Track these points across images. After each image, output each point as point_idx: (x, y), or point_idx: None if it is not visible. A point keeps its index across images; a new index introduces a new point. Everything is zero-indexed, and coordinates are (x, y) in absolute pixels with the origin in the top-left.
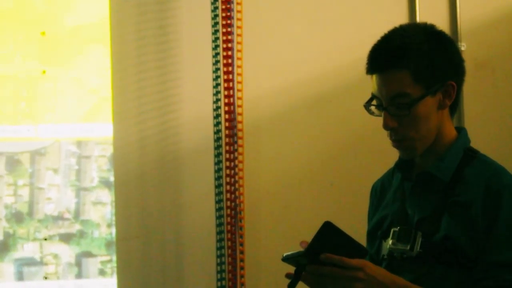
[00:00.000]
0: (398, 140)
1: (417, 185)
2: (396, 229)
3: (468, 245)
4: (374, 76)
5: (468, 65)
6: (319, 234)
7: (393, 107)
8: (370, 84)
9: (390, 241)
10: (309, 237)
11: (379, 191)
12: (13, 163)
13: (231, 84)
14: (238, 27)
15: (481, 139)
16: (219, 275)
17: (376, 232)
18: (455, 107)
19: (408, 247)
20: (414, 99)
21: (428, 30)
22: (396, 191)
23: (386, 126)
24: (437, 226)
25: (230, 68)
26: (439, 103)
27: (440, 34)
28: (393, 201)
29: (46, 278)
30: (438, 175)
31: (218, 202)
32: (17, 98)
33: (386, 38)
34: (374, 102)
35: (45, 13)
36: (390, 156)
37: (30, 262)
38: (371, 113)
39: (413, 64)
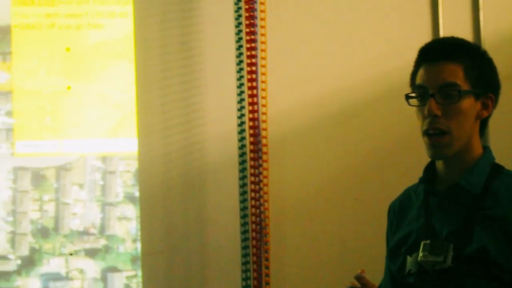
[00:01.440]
0: (436, 133)
1: (445, 198)
2: (427, 241)
3: (503, 257)
4: (423, 67)
5: None
6: None
7: (440, 94)
8: (394, 98)
9: (421, 254)
10: (333, 252)
11: (398, 210)
12: (38, 178)
13: (255, 99)
14: (262, 42)
15: (506, 153)
16: None
17: (399, 248)
18: (484, 126)
19: (442, 259)
20: (463, 91)
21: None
22: (419, 207)
23: (430, 112)
24: (469, 239)
25: (254, 83)
26: (477, 112)
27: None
28: (417, 217)
29: None
30: (468, 187)
31: (243, 217)
32: (42, 114)
33: (445, 37)
34: (414, 94)
35: (70, 29)
36: (414, 171)
37: (56, 277)
38: (411, 104)
39: (467, 61)
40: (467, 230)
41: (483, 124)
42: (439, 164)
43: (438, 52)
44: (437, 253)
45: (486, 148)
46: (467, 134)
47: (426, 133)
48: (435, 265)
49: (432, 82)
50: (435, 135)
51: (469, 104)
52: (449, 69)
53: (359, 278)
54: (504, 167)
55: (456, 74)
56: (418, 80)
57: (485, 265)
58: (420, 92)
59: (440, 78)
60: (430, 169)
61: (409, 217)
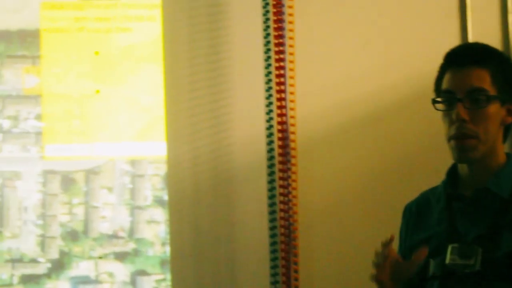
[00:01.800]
0: (462, 137)
1: (472, 203)
2: (455, 245)
3: None
4: (450, 72)
5: None
6: None
7: (468, 100)
8: (423, 101)
9: (449, 257)
10: (362, 257)
11: (415, 212)
12: (68, 181)
13: (283, 102)
14: (290, 45)
15: None
16: None
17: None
18: (508, 133)
19: (473, 262)
20: (491, 96)
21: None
22: (441, 211)
23: (458, 117)
24: (497, 243)
25: (282, 87)
26: (502, 118)
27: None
28: (439, 221)
29: None
30: (497, 192)
31: (271, 221)
32: (71, 117)
33: (470, 43)
34: (440, 99)
35: (98, 32)
36: (443, 174)
37: (85, 280)
38: (437, 108)
39: (494, 66)
40: (495, 234)
41: (507, 130)
42: (462, 169)
43: (465, 57)
44: (467, 256)
45: (509, 155)
46: (492, 139)
47: (453, 137)
48: (465, 268)
49: (459, 87)
50: (462, 137)
51: (495, 110)
52: (477, 74)
53: (385, 247)
54: None
55: (484, 79)
56: (445, 85)
57: None
58: (447, 97)
59: (468, 83)
60: (452, 173)
61: (429, 221)
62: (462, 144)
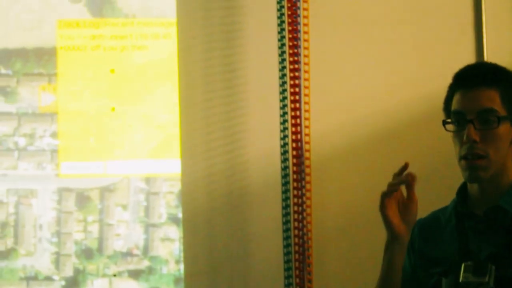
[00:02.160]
0: (473, 158)
1: (484, 221)
2: (468, 263)
3: None
4: (459, 93)
5: None
6: None
7: (478, 120)
8: (437, 118)
9: (462, 275)
10: (377, 275)
11: (424, 229)
12: (83, 199)
13: (298, 120)
14: (305, 63)
15: None
16: None
17: (427, 270)
18: None
19: (486, 279)
20: (501, 117)
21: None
22: (452, 230)
23: (469, 138)
24: (510, 260)
25: (297, 104)
26: None
27: None
28: (450, 240)
29: None
30: (509, 209)
31: (286, 238)
32: (87, 135)
33: (477, 63)
34: (450, 120)
35: (114, 50)
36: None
37: None
38: (448, 130)
39: (503, 86)
40: (508, 251)
41: None
42: (473, 187)
43: (474, 78)
44: (480, 274)
45: None
46: (503, 158)
47: (464, 158)
48: (478, 286)
49: (469, 108)
50: (473, 158)
51: (505, 130)
52: (487, 94)
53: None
54: None
55: (493, 100)
56: (455, 106)
57: None
58: (457, 117)
59: (478, 104)
60: (462, 192)
61: (440, 239)
62: (472, 164)
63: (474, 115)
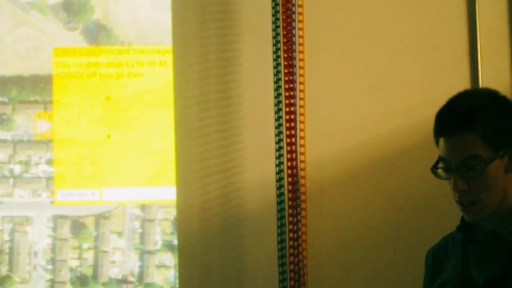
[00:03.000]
0: (467, 204)
1: (482, 246)
2: None
3: None
4: (442, 139)
5: None
6: None
7: (463, 169)
8: (432, 146)
9: None
10: None
11: (435, 258)
12: (78, 226)
13: (293, 147)
14: (300, 90)
15: None
16: None
17: None
18: None
19: None
20: (485, 161)
21: (493, 95)
22: (457, 256)
23: (456, 189)
24: (506, 287)
25: (292, 131)
26: (506, 166)
27: (504, 98)
28: (454, 265)
29: None
30: (505, 235)
31: (281, 265)
32: (82, 162)
33: (453, 101)
34: (440, 165)
35: (110, 78)
36: (453, 219)
37: None
38: (438, 176)
39: (483, 127)
40: (503, 279)
41: None
42: None
43: (452, 125)
44: None
45: None
46: (499, 194)
47: (458, 203)
48: None
49: (452, 157)
50: (466, 205)
51: (495, 168)
52: (466, 141)
53: None
54: None
55: (475, 144)
56: (441, 152)
57: None
58: (444, 164)
59: (460, 152)
60: None
61: (447, 265)
62: (469, 210)
63: (458, 165)
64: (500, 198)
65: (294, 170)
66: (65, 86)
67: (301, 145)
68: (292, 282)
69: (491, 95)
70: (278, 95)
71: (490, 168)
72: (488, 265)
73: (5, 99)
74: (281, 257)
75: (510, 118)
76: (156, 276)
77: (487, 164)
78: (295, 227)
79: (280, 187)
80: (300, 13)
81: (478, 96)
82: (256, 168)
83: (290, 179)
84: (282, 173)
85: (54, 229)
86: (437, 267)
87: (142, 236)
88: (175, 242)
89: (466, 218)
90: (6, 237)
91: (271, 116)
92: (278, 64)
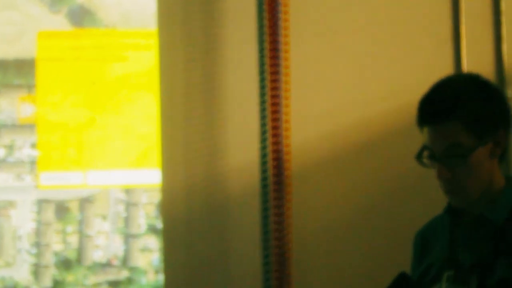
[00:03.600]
0: (451, 191)
1: (469, 229)
2: (450, 273)
3: None
4: (425, 128)
5: None
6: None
7: (447, 157)
8: (417, 130)
9: (444, 285)
10: (357, 285)
11: (423, 240)
12: (62, 210)
13: (278, 130)
14: (285, 74)
15: None
16: None
17: (422, 278)
18: (504, 155)
19: None
20: (468, 149)
21: (475, 81)
22: (445, 238)
23: (440, 177)
24: (491, 270)
25: (277, 114)
26: (491, 151)
27: (487, 83)
28: (442, 248)
29: None
30: (492, 218)
31: (265, 248)
32: (66, 146)
33: (435, 90)
34: (425, 153)
35: (94, 61)
36: (439, 203)
37: None
38: (423, 164)
39: (465, 115)
40: (490, 261)
41: (502, 154)
42: None
43: (435, 114)
44: (460, 284)
45: (509, 179)
46: (484, 179)
47: (442, 189)
48: None
49: (436, 146)
50: (451, 191)
51: (478, 155)
52: (450, 129)
53: None
54: None
55: (458, 132)
56: (424, 139)
57: None
58: (429, 152)
59: (443, 141)
60: None
61: (434, 248)
62: (454, 196)
63: (441, 153)
64: (486, 184)
65: (279, 154)
66: (49, 69)
67: (285, 129)
68: (277, 266)
69: (473, 81)
70: (263, 79)
71: (474, 155)
72: (475, 248)
73: None
74: (265, 240)
75: (492, 104)
76: (140, 260)
77: (471, 152)
78: (280, 211)
79: (264, 171)
80: None
81: (459, 84)
82: (241, 152)
83: (274, 163)
84: (266, 157)
85: (38, 213)
86: (425, 249)
87: (127, 219)
88: (160, 225)
89: (452, 204)
90: None
91: (256, 100)
92: (263, 48)
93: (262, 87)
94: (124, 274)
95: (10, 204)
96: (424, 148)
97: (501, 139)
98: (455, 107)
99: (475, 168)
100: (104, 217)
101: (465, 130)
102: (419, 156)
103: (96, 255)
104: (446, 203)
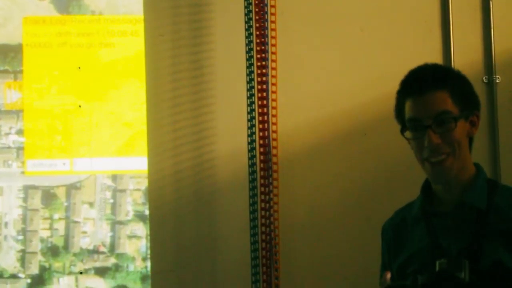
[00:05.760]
0: (439, 161)
1: (450, 218)
2: (443, 261)
3: None
4: (411, 100)
5: (503, 97)
6: None
7: (437, 125)
8: None
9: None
10: (344, 272)
11: (394, 232)
12: (49, 197)
13: (265, 117)
14: (272, 60)
15: None
16: None
17: (404, 270)
18: (471, 144)
19: (462, 275)
20: (456, 116)
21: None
22: (421, 228)
23: (430, 144)
24: (480, 254)
25: (264, 101)
26: (468, 131)
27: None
28: (420, 238)
29: None
30: (475, 204)
31: (253, 235)
32: (53, 132)
33: (420, 67)
34: (409, 126)
35: (81, 47)
36: None
37: None
38: (408, 138)
39: (452, 85)
40: (477, 245)
41: (471, 141)
42: (437, 186)
43: (423, 83)
44: (456, 270)
45: (478, 166)
46: (464, 154)
47: (428, 161)
48: (455, 281)
49: (425, 114)
50: (438, 161)
51: (462, 126)
52: (438, 97)
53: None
54: (497, 181)
55: (446, 101)
56: (409, 113)
57: (501, 277)
58: (414, 124)
59: (433, 108)
60: (427, 189)
61: (409, 239)
62: (438, 168)
63: (431, 120)
64: (463, 160)
65: (266, 141)
66: (36, 55)
67: (273, 115)
68: (264, 252)
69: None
70: (250, 66)
71: (459, 124)
72: (459, 234)
73: None
74: (253, 227)
75: (471, 86)
76: (127, 247)
77: (458, 119)
78: (267, 196)
79: (252, 157)
80: None
81: (441, 65)
82: (228, 139)
83: (262, 149)
84: (254, 144)
85: (25, 199)
86: (399, 243)
87: (114, 206)
88: (147, 212)
89: (433, 179)
90: None
91: (244, 86)
92: (250, 35)
93: (249, 74)
94: (111, 261)
95: None
96: (408, 121)
97: (476, 120)
98: (443, 77)
99: (460, 136)
100: (91, 204)
101: (452, 100)
102: (403, 130)
103: (83, 241)
104: (420, 193)
